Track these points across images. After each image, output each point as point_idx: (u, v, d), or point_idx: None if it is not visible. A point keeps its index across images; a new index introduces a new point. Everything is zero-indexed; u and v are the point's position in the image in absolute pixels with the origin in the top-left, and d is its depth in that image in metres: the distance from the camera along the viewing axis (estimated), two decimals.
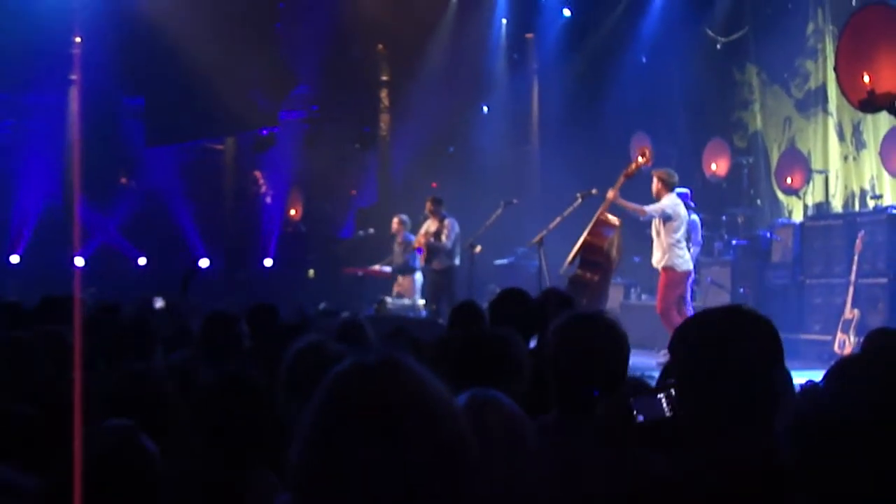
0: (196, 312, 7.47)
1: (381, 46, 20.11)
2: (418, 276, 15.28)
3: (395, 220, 15.69)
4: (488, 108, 20.78)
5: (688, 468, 2.65)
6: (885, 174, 14.49)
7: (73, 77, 18.45)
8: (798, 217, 15.53)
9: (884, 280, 12.64)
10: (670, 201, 11.90)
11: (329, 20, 18.83)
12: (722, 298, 14.09)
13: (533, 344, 5.42)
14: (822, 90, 15.74)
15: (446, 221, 14.79)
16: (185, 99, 18.24)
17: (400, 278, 15.47)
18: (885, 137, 14.38)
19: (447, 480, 1.78)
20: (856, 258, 12.71)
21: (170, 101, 18.60)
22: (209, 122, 19.27)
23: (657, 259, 12.04)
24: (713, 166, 17.07)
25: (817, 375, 3.30)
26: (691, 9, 17.59)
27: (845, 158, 15.36)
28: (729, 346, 2.64)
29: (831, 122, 15.57)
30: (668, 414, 2.97)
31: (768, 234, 14.82)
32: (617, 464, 3.11)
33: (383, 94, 20.39)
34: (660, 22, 18.08)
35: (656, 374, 5.46)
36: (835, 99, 15.36)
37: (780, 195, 16.60)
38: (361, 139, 21.13)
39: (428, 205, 15.08)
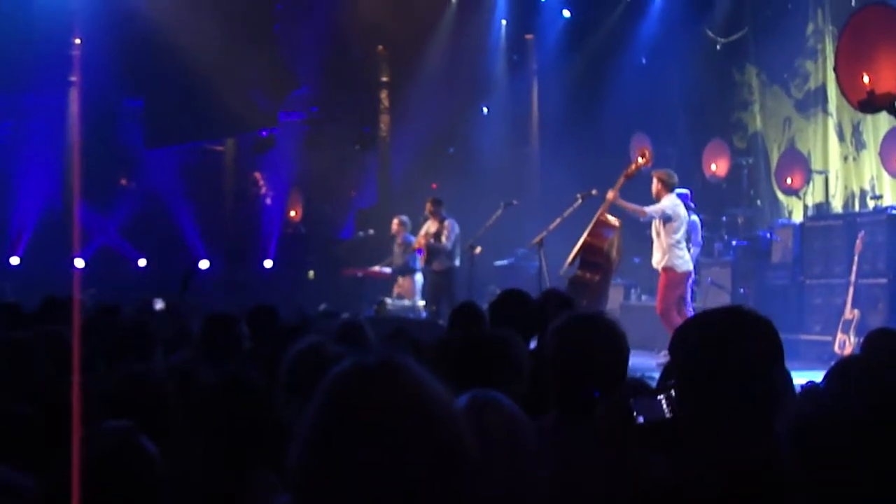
0: (196, 314, 7.46)
1: (380, 47, 20.11)
2: (418, 278, 15.28)
3: (395, 222, 15.69)
4: (488, 109, 20.78)
5: (688, 469, 2.65)
6: (885, 174, 14.49)
7: (73, 78, 18.45)
8: (798, 217, 15.53)
9: (884, 280, 12.65)
10: (670, 202, 11.90)
11: (329, 21, 18.84)
12: (722, 299, 14.09)
13: (533, 345, 5.41)
14: (822, 90, 15.74)
15: (446, 222, 14.78)
16: (185, 100, 18.24)
17: (400, 279, 15.47)
18: (885, 138, 14.38)
19: (446, 482, 1.78)
20: (856, 258, 12.71)
21: (170, 102, 18.60)
22: (209, 123, 19.27)
23: (657, 260, 12.03)
24: (713, 167, 17.07)
25: (817, 376, 3.29)
26: (691, 10, 17.59)
27: (845, 159, 15.36)
28: (729, 346, 2.64)
29: (831, 123, 15.58)
30: (668, 415, 2.97)
31: (768, 235, 14.83)
32: (617, 465, 3.10)
33: (383, 95, 20.39)
34: (659, 23, 18.09)
35: (656, 375, 5.47)
36: (834, 99, 15.37)
37: (780, 196, 16.60)
38: (361, 140, 21.12)
39: (428, 206, 15.08)
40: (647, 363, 10.84)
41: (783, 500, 2.29)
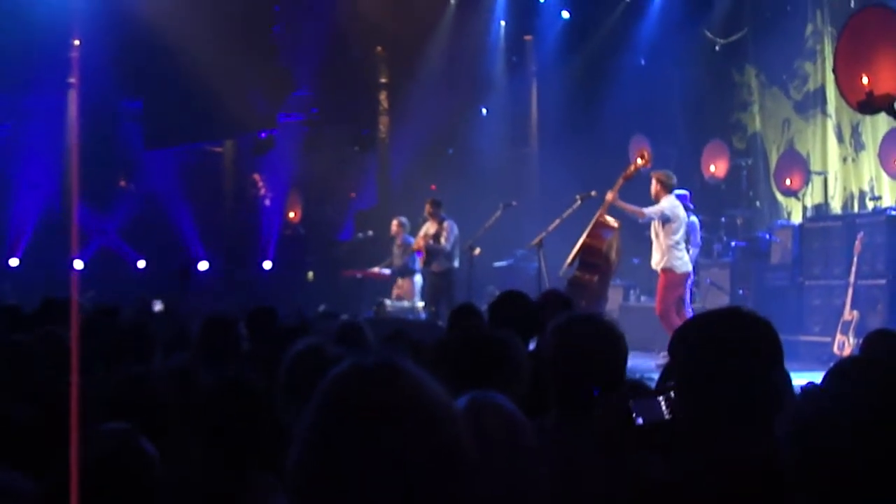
0: (195, 315, 7.46)
1: (379, 48, 20.13)
2: (418, 279, 15.28)
3: (395, 223, 15.70)
4: (487, 109, 20.78)
5: (687, 470, 2.64)
6: (884, 175, 14.51)
7: (72, 80, 18.44)
8: (797, 218, 15.54)
9: (883, 281, 12.65)
10: (669, 203, 11.90)
11: (328, 22, 18.84)
12: (721, 300, 14.10)
13: (532, 346, 5.41)
14: (821, 92, 15.75)
15: (445, 224, 14.78)
16: (184, 102, 18.23)
17: (399, 280, 15.48)
18: (884, 139, 14.39)
19: (445, 483, 1.77)
20: (855, 259, 12.71)
21: (169, 103, 18.60)
22: (208, 124, 19.27)
23: (656, 261, 12.04)
24: (712, 168, 17.07)
25: (816, 377, 3.29)
26: (690, 10, 17.59)
27: (844, 160, 15.37)
28: (728, 347, 2.64)
29: (830, 124, 15.59)
30: (667, 416, 2.97)
31: (767, 236, 14.83)
32: (616, 466, 3.10)
33: (382, 96, 20.41)
34: (658, 24, 18.08)
35: (655, 376, 5.46)
36: (833, 100, 15.37)
37: (779, 197, 16.61)
38: (360, 141, 21.13)
39: (427, 207, 15.09)
40: (646, 364, 10.83)
41: (783, 501, 2.29)
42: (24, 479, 3.18)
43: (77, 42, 17.95)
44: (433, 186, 18.38)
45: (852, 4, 14.90)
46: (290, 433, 1.91)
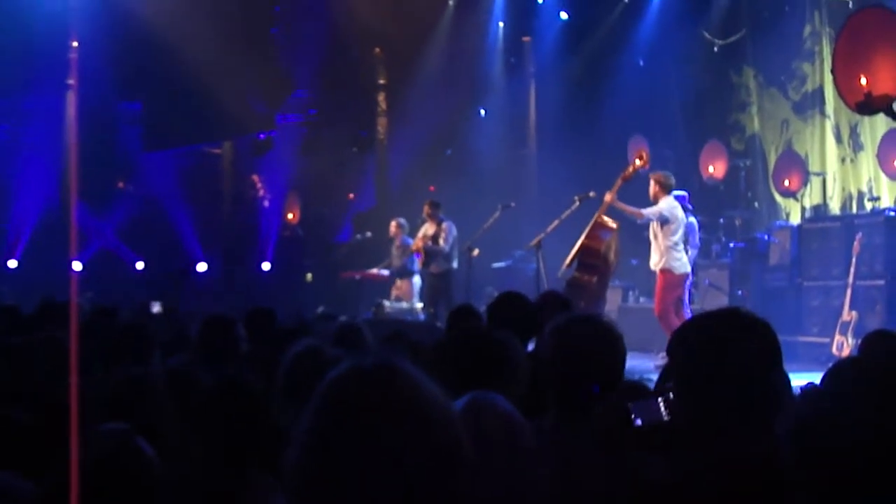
0: (193, 316, 7.46)
1: (378, 50, 20.12)
2: (416, 280, 15.28)
3: (393, 224, 15.69)
4: (486, 111, 20.77)
5: (686, 471, 2.65)
6: (883, 176, 14.52)
7: (71, 81, 18.43)
8: (796, 219, 15.55)
9: (881, 282, 12.65)
10: (668, 204, 11.90)
11: (326, 24, 18.83)
12: (720, 301, 14.11)
13: (531, 347, 5.42)
14: (820, 92, 15.76)
15: (444, 225, 14.78)
16: (183, 103, 18.23)
17: (398, 282, 15.47)
18: (883, 139, 14.40)
19: (444, 484, 1.78)
20: (854, 260, 12.71)
21: (167, 105, 18.59)
22: (207, 126, 19.25)
23: (655, 262, 12.04)
24: (711, 169, 17.07)
25: (815, 378, 3.29)
26: (688, 11, 17.59)
27: (843, 160, 15.38)
28: (727, 348, 2.64)
29: (829, 125, 15.60)
30: (665, 418, 2.97)
31: (766, 237, 14.83)
32: (615, 466, 3.10)
33: (381, 97, 20.40)
34: (657, 25, 18.09)
35: (654, 377, 5.46)
36: (832, 101, 15.38)
37: (778, 197, 16.62)
38: (359, 143, 21.12)
39: (425, 208, 15.08)
40: (645, 365, 10.81)
41: (782, 501, 2.30)
42: (24, 479, 3.18)
43: (76, 43, 17.92)
44: (432, 188, 18.38)
45: (850, 5, 14.91)
46: (288, 434, 1.91)
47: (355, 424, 1.76)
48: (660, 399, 2.99)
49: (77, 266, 17.78)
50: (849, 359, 2.17)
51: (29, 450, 3.56)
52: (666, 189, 11.98)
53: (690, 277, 12.46)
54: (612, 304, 14.87)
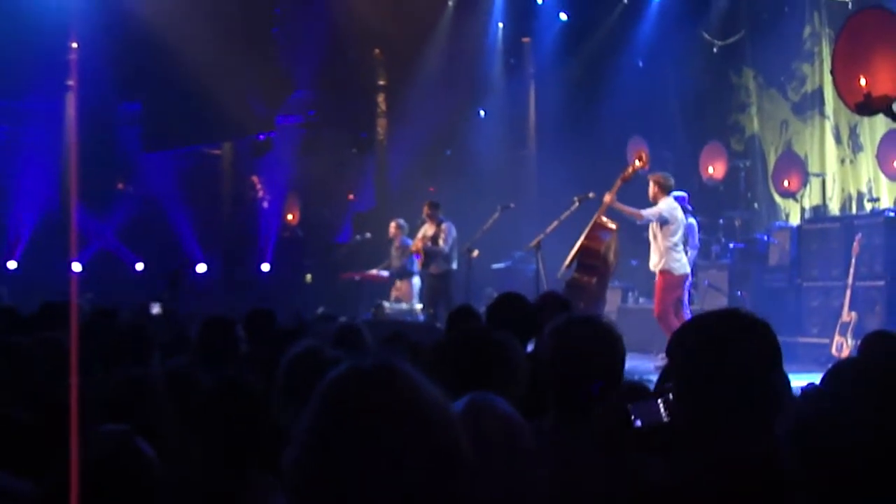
0: (193, 317, 7.46)
1: (377, 51, 20.11)
2: (416, 281, 15.27)
3: (393, 225, 15.68)
4: (485, 112, 20.77)
5: (686, 471, 2.65)
6: (882, 177, 14.52)
7: (70, 83, 18.43)
8: (795, 220, 15.55)
9: (881, 283, 12.66)
10: (667, 205, 11.90)
11: (325, 25, 18.83)
12: (719, 302, 14.11)
13: (530, 348, 5.41)
14: (819, 93, 15.77)
15: (443, 225, 14.78)
16: (182, 104, 18.24)
17: (397, 282, 15.47)
18: (882, 140, 14.40)
19: (443, 485, 1.78)
20: (853, 261, 12.71)
21: (167, 106, 18.60)
22: (206, 127, 19.26)
23: (654, 262, 12.04)
24: (710, 169, 17.07)
25: (815, 378, 3.28)
26: (688, 12, 17.59)
27: (842, 161, 15.38)
28: (727, 349, 2.64)
29: (828, 126, 15.60)
30: (665, 419, 2.97)
31: (765, 238, 14.83)
32: (615, 467, 3.10)
33: (380, 98, 20.39)
34: (656, 26, 18.09)
35: (654, 378, 5.46)
36: (831, 102, 15.39)
37: (777, 198, 16.62)
38: (358, 144, 21.12)
39: (425, 209, 15.08)
40: (644, 366, 10.80)
41: (782, 502, 2.30)
42: (23, 481, 3.18)
43: (75, 45, 17.94)
44: (432, 188, 18.37)
45: (850, 6, 14.90)
46: (288, 434, 1.91)
47: (355, 425, 1.76)
48: (660, 400, 2.99)
49: (77, 267, 17.79)
50: (848, 360, 2.17)
51: (29, 450, 3.57)
52: (665, 190, 11.98)
53: (690, 278, 12.46)
54: (612, 304, 14.88)
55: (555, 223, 12.82)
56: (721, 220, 15.66)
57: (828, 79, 15.10)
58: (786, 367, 2.81)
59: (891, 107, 12.31)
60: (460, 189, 17.66)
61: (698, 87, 17.80)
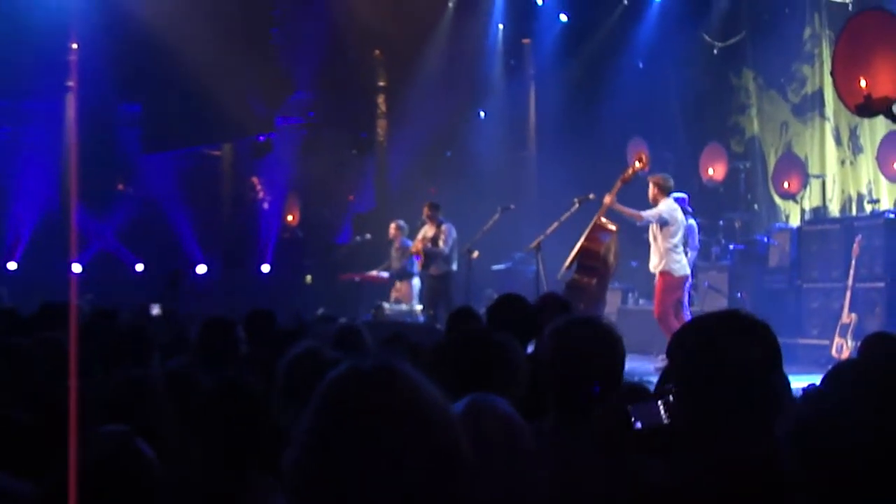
0: (193, 318, 7.46)
1: (377, 52, 20.12)
2: (416, 282, 15.27)
3: (393, 226, 15.68)
4: (485, 113, 20.78)
5: (686, 473, 2.64)
6: (882, 178, 14.51)
7: (70, 83, 18.44)
8: (795, 221, 15.54)
9: (881, 284, 12.65)
10: (667, 206, 11.90)
11: (325, 26, 18.84)
12: (719, 303, 14.10)
13: (530, 349, 5.41)
14: (819, 95, 15.76)
15: (443, 227, 14.78)
16: (182, 105, 18.25)
17: (397, 284, 15.47)
18: (882, 142, 14.40)
19: (443, 486, 1.78)
20: (853, 262, 12.71)
21: (167, 107, 18.61)
22: (206, 128, 19.27)
23: (654, 264, 12.04)
24: (710, 171, 17.06)
25: (815, 380, 3.28)
26: (688, 14, 17.59)
27: (842, 163, 15.38)
28: (727, 350, 2.64)
29: (828, 127, 15.60)
30: (665, 420, 2.96)
31: (765, 239, 14.83)
32: (615, 468, 3.10)
33: (380, 99, 20.40)
34: (656, 27, 18.09)
35: (654, 379, 5.46)
36: (832, 103, 15.38)
37: (778, 200, 16.61)
38: (358, 145, 21.13)
39: (425, 210, 15.08)
40: (644, 367, 10.82)
41: (783, 502, 2.30)
42: (24, 481, 3.18)
43: (75, 46, 17.95)
44: (432, 189, 18.37)
45: (850, 7, 14.90)
46: (288, 435, 1.91)
47: (355, 426, 1.76)
48: (660, 402, 2.98)
49: (77, 268, 17.80)
50: (848, 361, 2.17)
51: (29, 451, 3.56)
52: (665, 191, 11.97)
53: (690, 279, 12.46)
54: (612, 306, 14.88)
55: (555, 224, 12.81)
56: (721, 222, 15.66)
57: (828, 80, 15.09)
58: (786, 369, 2.80)
59: (891, 108, 12.31)
60: (460, 190, 17.67)
61: (698, 88, 17.80)
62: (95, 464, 2.58)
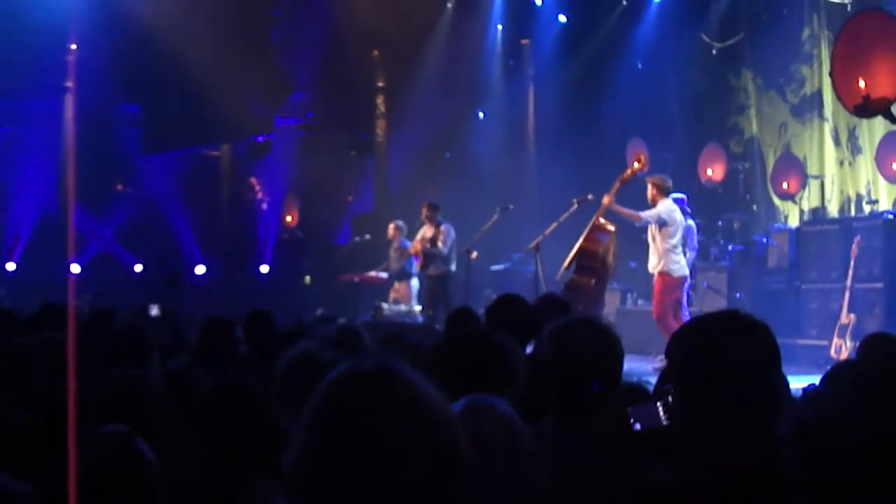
0: (192, 319, 7.47)
1: (376, 52, 20.12)
2: (415, 282, 15.27)
3: (392, 227, 15.68)
4: (484, 113, 20.78)
5: (686, 473, 2.65)
6: (881, 179, 14.52)
7: (69, 84, 18.43)
8: (794, 222, 15.55)
9: (880, 285, 12.66)
10: (666, 207, 11.90)
11: (325, 27, 18.84)
12: (718, 303, 14.10)
13: (529, 349, 5.42)
14: (818, 95, 15.77)
15: (442, 227, 14.78)
16: (181, 106, 18.24)
17: (396, 284, 15.46)
18: (881, 142, 14.41)
19: (443, 486, 1.78)
20: (852, 263, 12.72)
21: (166, 108, 18.61)
22: (205, 128, 19.26)
23: (653, 264, 12.04)
24: (709, 171, 17.07)
25: (814, 380, 3.28)
26: (687, 14, 17.60)
27: (841, 163, 15.39)
28: (726, 351, 2.64)
29: (827, 128, 15.61)
30: (664, 422, 2.97)
31: (764, 240, 14.83)
32: (615, 469, 3.10)
33: (379, 100, 20.40)
34: (655, 27, 18.10)
35: (653, 380, 5.47)
36: (830, 104, 15.39)
37: (776, 200, 16.62)
38: (358, 145, 21.13)
39: (424, 211, 15.07)
40: (643, 368, 10.82)
41: (783, 503, 2.30)
42: (23, 481, 3.18)
43: (74, 46, 17.95)
44: (431, 190, 18.37)
45: (849, 8, 14.91)
46: (288, 435, 1.91)
47: (355, 426, 1.76)
48: (659, 403, 2.99)
49: (75, 269, 17.79)
50: (848, 361, 2.17)
51: (28, 451, 3.57)
52: (663, 192, 11.98)
53: (689, 280, 12.46)
54: (611, 306, 14.88)
55: (554, 225, 12.82)
56: (720, 222, 15.67)
57: (827, 81, 15.10)
58: (785, 369, 2.81)
59: (889, 109, 12.33)
60: (459, 191, 17.67)
61: (697, 89, 17.81)
62: (95, 464, 2.59)
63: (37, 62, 17.32)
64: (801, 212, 15.68)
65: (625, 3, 18.62)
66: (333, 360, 3.61)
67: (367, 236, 17.72)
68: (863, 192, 14.93)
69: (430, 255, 14.74)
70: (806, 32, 16.02)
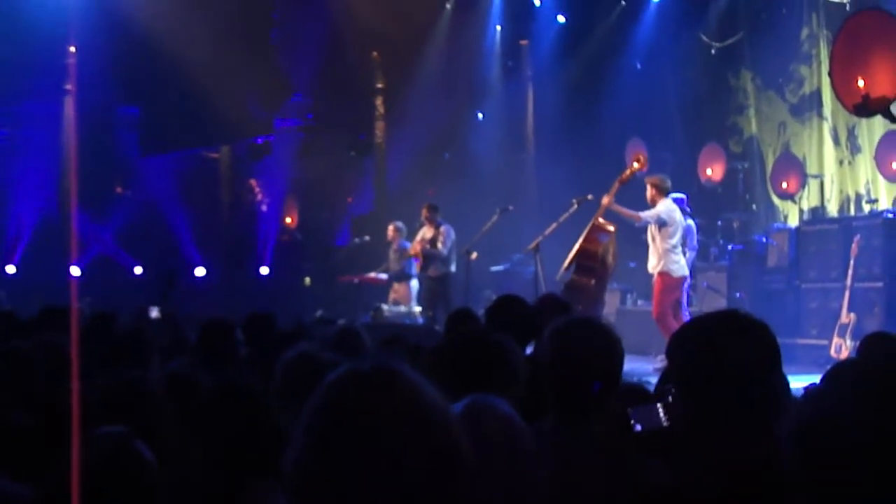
0: (192, 321, 7.46)
1: (375, 54, 20.12)
2: (414, 283, 15.27)
3: (391, 228, 15.67)
4: (483, 114, 20.78)
5: (686, 473, 2.65)
6: (881, 178, 14.52)
7: (69, 86, 18.42)
8: (794, 222, 15.56)
9: (880, 284, 12.66)
10: (665, 207, 11.90)
11: (324, 28, 18.84)
12: (718, 303, 14.11)
13: (529, 350, 5.41)
14: (817, 95, 15.77)
15: (442, 228, 14.77)
16: (181, 108, 18.24)
17: (396, 285, 15.46)
18: (880, 142, 14.41)
19: (443, 487, 1.78)
20: (852, 262, 12.72)
21: (165, 110, 18.60)
22: (204, 130, 19.27)
23: (653, 264, 12.04)
24: (708, 171, 17.07)
25: (814, 380, 3.28)
26: (686, 14, 17.61)
27: (840, 163, 15.39)
28: (726, 350, 2.64)
29: (826, 127, 15.61)
30: (665, 423, 2.97)
31: (764, 239, 14.83)
32: (615, 469, 3.10)
33: (378, 101, 20.40)
34: (654, 27, 18.11)
35: (653, 380, 5.47)
36: (829, 103, 15.39)
37: (776, 200, 16.62)
38: (357, 147, 21.14)
39: (424, 212, 15.07)
40: (643, 368, 10.83)
41: (783, 503, 2.30)
42: (23, 483, 3.18)
43: (73, 49, 17.94)
44: (430, 191, 18.37)
45: (848, 7, 14.92)
46: (288, 436, 1.91)
47: (355, 426, 1.76)
48: (659, 404, 2.99)
49: (76, 271, 17.78)
50: (848, 361, 2.17)
51: (28, 453, 3.57)
52: (662, 192, 11.98)
53: (688, 280, 12.46)
54: (611, 306, 14.88)
55: (553, 225, 12.82)
56: (719, 222, 15.67)
57: (826, 80, 15.10)
58: (785, 369, 2.81)
59: (889, 108, 12.33)
60: (459, 191, 17.67)
61: (696, 88, 17.81)
62: (95, 465, 2.59)
63: (36, 64, 17.32)
64: (801, 211, 15.69)
65: (623, 3, 18.63)
66: (333, 361, 3.61)
67: (367, 237, 17.72)
68: (862, 191, 14.94)
69: (429, 257, 14.74)
70: (805, 32, 16.03)
